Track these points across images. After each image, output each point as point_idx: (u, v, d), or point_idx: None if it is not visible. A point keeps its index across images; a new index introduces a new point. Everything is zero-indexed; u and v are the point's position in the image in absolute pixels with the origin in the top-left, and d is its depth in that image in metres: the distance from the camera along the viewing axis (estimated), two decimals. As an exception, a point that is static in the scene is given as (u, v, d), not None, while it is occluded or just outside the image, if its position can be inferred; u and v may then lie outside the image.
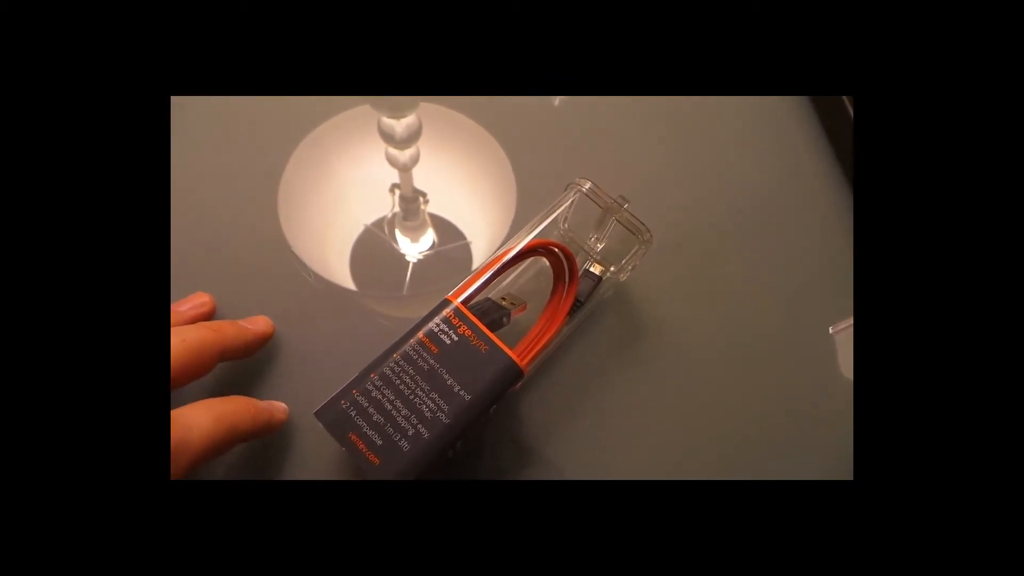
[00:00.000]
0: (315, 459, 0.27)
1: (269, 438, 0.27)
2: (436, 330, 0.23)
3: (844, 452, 0.28)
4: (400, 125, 0.34)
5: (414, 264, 0.32)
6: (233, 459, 0.26)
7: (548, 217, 0.27)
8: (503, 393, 0.23)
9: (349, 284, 0.31)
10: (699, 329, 0.30)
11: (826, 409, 0.29)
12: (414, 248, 0.33)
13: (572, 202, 0.27)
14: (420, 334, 0.23)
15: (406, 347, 0.23)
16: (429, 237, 0.33)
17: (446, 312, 0.23)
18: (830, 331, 0.30)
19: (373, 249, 0.32)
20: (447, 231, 0.33)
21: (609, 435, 0.28)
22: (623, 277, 0.28)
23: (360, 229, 0.33)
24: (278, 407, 0.26)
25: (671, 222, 0.32)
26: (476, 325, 0.23)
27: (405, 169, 0.34)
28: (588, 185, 0.26)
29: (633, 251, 0.27)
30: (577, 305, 0.26)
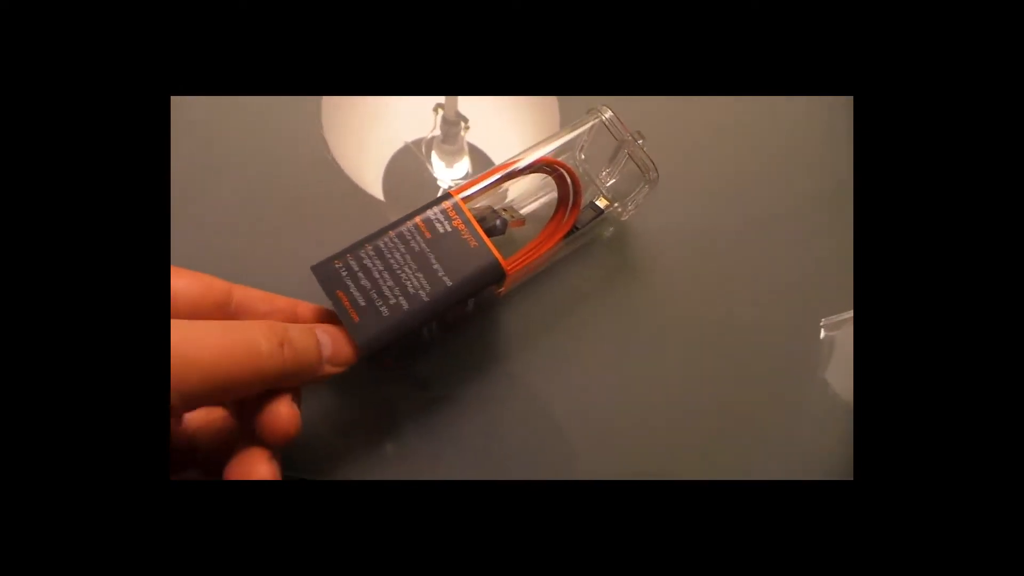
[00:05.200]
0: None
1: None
2: (432, 217, 0.26)
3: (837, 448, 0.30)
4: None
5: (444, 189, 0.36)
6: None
7: (565, 136, 0.29)
8: (482, 288, 0.26)
9: (378, 194, 0.35)
10: (686, 286, 0.33)
11: (817, 405, 0.31)
12: (448, 174, 0.36)
13: (592, 127, 0.30)
14: (417, 218, 0.26)
15: (402, 227, 0.26)
16: (464, 165, 0.36)
17: (445, 204, 0.26)
18: (821, 323, 0.32)
19: (408, 167, 0.36)
20: (482, 163, 0.36)
21: (579, 358, 0.31)
22: (625, 216, 0.30)
23: (400, 144, 0.37)
24: (323, 338, 0.24)
25: (691, 181, 0.34)
26: (470, 221, 0.26)
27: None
28: (609, 114, 0.29)
29: (638, 188, 0.29)
30: (574, 230, 0.29)
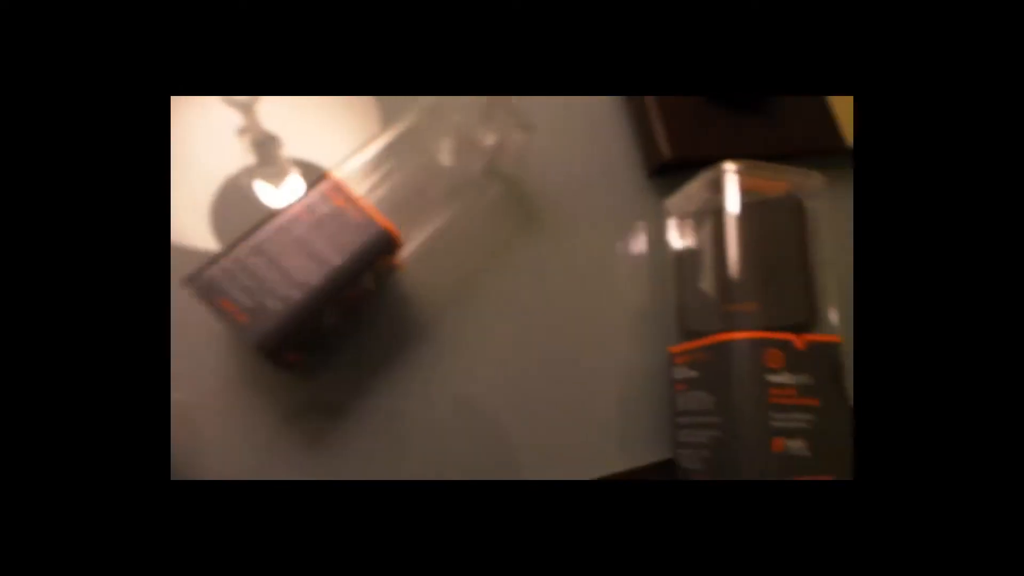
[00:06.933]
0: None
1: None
2: (311, 202, 0.24)
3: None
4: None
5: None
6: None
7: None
8: (375, 259, 0.24)
9: (211, 243, 0.31)
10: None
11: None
12: (279, 195, 0.33)
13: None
14: (295, 206, 0.24)
15: (280, 219, 0.24)
16: (295, 181, 0.33)
17: (322, 186, 0.25)
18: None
19: (237, 202, 0.32)
20: (313, 173, 0.34)
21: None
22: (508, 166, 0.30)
23: (217, 183, 0.33)
24: None
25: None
26: (352, 198, 0.25)
27: (245, 107, 0.34)
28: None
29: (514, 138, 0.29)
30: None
